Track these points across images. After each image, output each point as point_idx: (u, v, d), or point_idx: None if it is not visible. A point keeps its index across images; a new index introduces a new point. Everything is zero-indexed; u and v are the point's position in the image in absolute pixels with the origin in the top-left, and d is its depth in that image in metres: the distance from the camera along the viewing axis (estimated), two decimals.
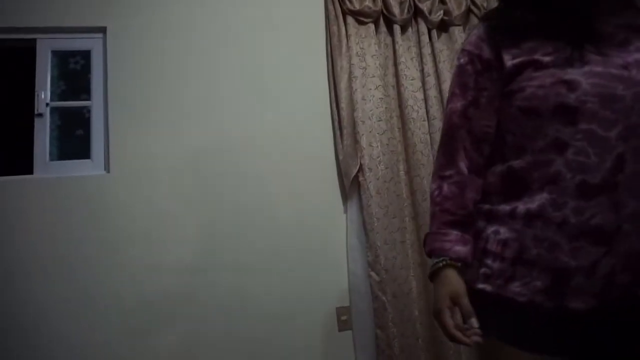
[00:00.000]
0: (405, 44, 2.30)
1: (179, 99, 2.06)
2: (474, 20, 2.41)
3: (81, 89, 2.11)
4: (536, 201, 0.78)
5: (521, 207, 0.80)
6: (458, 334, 0.80)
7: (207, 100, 2.09)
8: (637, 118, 0.73)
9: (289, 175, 2.11)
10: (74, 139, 2.11)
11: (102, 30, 2.06)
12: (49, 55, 2.04)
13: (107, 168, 1.97)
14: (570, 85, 0.75)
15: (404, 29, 2.31)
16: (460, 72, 0.90)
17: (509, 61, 0.82)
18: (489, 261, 0.82)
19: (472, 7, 2.41)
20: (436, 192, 0.90)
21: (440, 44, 2.35)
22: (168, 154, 2.00)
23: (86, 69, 2.10)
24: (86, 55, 2.11)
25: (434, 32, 2.34)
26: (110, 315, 1.82)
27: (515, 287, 0.77)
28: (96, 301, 1.82)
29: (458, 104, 0.89)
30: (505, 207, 0.83)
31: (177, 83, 2.08)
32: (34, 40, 2.03)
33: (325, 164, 2.18)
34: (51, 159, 1.98)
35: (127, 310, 1.84)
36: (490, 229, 0.84)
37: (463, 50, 0.91)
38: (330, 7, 2.23)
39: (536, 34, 0.81)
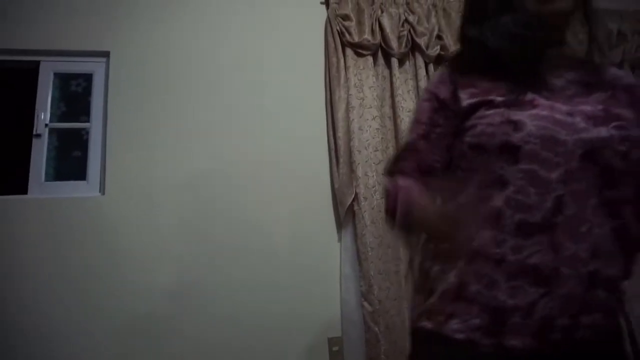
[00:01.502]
0: (402, 77, 2.35)
1: (177, 123, 2.08)
2: None
3: (81, 111, 2.13)
4: (478, 239, 0.78)
5: (464, 244, 0.80)
6: None
7: (205, 125, 2.11)
8: (577, 163, 0.75)
9: (284, 202, 2.11)
10: (70, 160, 2.11)
11: (106, 54, 2.09)
12: (51, 77, 2.07)
13: (102, 190, 1.97)
14: (516, 125, 0.78)
15: (401, 62, 2.37)
16: (418, 109, 0.95)
17: (465, 100, 0.86)
18: (432, 299, 0.82)
19: None
20: (390, 190, 0.91)
21: None
22: (164, 177, 2.01)
23: (87, 91, 2.13)
24: (88, 77, 2.14)
25: (431, 66, 2.40)
26: (102, 336, 1.79)
27: (454, 324, 0.77)
28: (88, 323, 1.79)
29: (409, 138, 0.94)
30: (450, 245, 0.83)
31: (176, 108, 2.10)
32: (37, 62, 2.06)
33: (321, 192, 2.18)
34: (47, 180, 1.98)
35: (120, 331, 1.80)
36: (436, 267, 0.84)
37: (425, 89, 0.97)
38: (330, 39, 2.29)
39: (493, 76, 0.85)
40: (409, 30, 2.37)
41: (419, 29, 2.39)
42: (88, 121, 2.07)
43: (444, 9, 2.51)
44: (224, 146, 2.11)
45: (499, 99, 0.82)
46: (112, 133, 2.01)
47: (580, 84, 0.85)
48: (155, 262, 1.91)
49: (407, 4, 2.44)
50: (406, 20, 2.39)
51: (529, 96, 0.81)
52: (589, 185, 0.76)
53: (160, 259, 1.92)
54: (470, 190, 0.82)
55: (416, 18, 2.41)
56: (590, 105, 0.81)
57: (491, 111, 0.81)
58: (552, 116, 0.78)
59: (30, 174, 1.95)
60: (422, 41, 2.37)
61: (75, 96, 2.19)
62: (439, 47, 2.40)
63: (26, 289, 1.77)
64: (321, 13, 2.33)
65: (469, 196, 0.82)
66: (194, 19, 2.23)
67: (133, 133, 2.02)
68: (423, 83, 2.34)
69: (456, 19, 2.49)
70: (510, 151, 0.77)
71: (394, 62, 2.33)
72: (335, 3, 2.34)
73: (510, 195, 0.77)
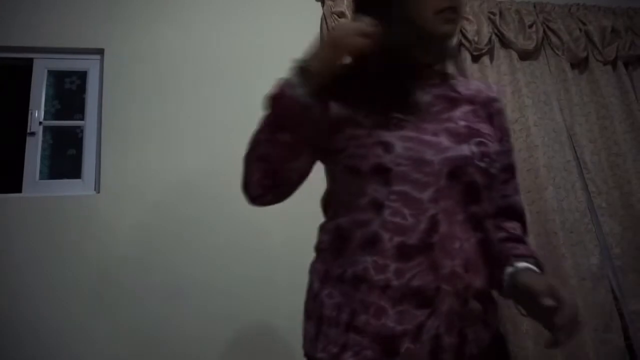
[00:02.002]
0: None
1: (173, 122, 2.07)
2: (465, 53, 2.47)
3: (76, 109, 2.11)
4: (361, 264, 0.78)
5: (349, 269, 0.80)
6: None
7: (201, 123, 2.10)
8: (445, 182, 0.78)
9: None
10: (65, 159, 2.10)
11: (100, 51, 2.08)
12: (45, 74, 2.06)
13: (97, 188, 1.96)
14: (386, 147, 0.79)
15: None
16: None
17: (333, 111, 0.85)
18: (325, 327, 0.80)
19: (463, 40, 2.48)
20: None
21: None
22: (160, 176, 2.00)
23: (82, 89, 2.11)
24: (82, 75, 2.12)
25: None
26: (99, 336, 1.77)
27: (347, 357, 0.76)
28: (85, 322, 1.77)
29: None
30: (336, 268, 0.82)
31: (172, 106, 2.09)
32: (31, 59, 2.04)
33: (314, 192, 2.18)
34: (41, 178, 1.96)
35: (117, 330, 1.79)
36: (325, 292, 0.83)
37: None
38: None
39: (362, 95, 0.85)
40: None
41: None
42: (82, 119, 2.05)
43: None
44: (221, 144, 2.10)
45: (367, 120, 0.82)
46: (107, 131, 1.99)
47: (446, 99, 0.88)
48: (151, 262, 1.90)
49: None
50: None
51: (396, 117, 0.82)
52: (456, 202, 0.79)
53: (157, 258, 1.91)
54: (351, 215, 0.82)
55: None
56: (453, 122, 0.84)
57: (360, 131, 0.81)
58: (418, 137, 0.80)
59: (24, 173, 1.93)
60: None
61: (70, 94, 2.17)
62: None
63: (21, 289, 1.75)
64: (317, 10, 2.33)
65: (350, 221, 0.82)
66: (190, 16, 2.22)
67: (129, 131, 2.01)
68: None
69: None
70: (382, 173, 0.78)
71: None
72: (331, 0, 2.33)
73: (387, 219, 0.77)
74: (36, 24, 2.02)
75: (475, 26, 2.51)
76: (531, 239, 2.22)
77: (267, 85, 2.44)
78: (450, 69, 0.95)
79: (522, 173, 2.39)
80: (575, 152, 2.54)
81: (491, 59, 2.53)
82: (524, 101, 2.48)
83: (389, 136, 0.80)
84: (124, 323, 1.82)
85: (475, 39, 2.48)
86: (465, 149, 0.81)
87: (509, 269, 0.81)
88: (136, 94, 2.06)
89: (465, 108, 0.89)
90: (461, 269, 0.76)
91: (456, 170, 0.79)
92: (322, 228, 0.92)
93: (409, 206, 0.77)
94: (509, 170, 0.94)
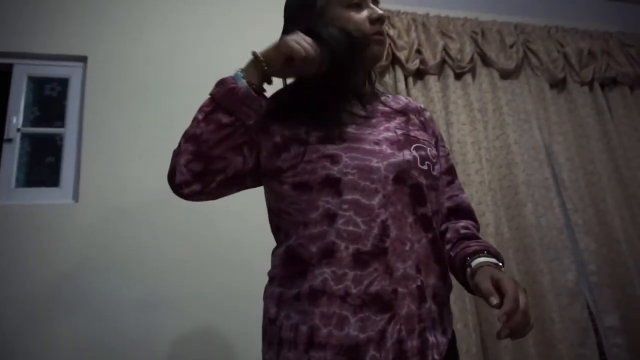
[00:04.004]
0: (382, 90, 2.37)
1: (155, 131, 2.05)
2: (448, 70, 2.53)
3: (55, 116, 2.08)
4: (318, 277, 0.79)
5: (305, 285, 0.80)
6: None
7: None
8: (392, 187, 0.82)
9: (263, 211, 2.10)
10: (43, 167, 2.05)
11: (83, 59, 2.05)
12: (25, 80, 2.02)
13: (75, 197, 1.92)
14: (333, 159, 0.82)
15: (381, 75, 2.38)
16: None
17: (278, 133, 0.88)
18: (285, 351, 0.80)
19: (447, 58, 2.53)
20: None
21: (416, 90, 2.45)
22: (140, 186, 1.97)
23: (62, 96, 2.08)
24: (64, 82, 2.09)
25: (410, 80, 2.44)
26: (71, 352, 1.72)
27: None
28: (56, 337, 1.72)
29: None
30: (291, 289, 0.83)
31: (154, 115, 2.07)
32: (11, 64, 2.01)
33: None
34: (18, 186, 1.91)
35: (92, 346, 1.74)
36: (282, 314, 0.82)
37: None
38: None
39: (303, 115, 0.89)
40: (390, 44, 2.41)
41: (399, 42, 2.43)
42: (62, 126, 2.02)
43: (424, 24, 2.56)
44: None
45: (311, 137, 0.86)
46: (88, 139, 1.96)
47: (380, 113, 0.96)
48: (129, 273, 1.87)
49: (388, 18, 2.48)
50: (387, 33, 2.42)
51: (338, 131, 0.86)
52: (404, 205, 0.82)
53: (134, 270, 1.88)
54: (303, 231, 0.83)
55: (396, 32, 2.46)
56: (392, 132, 0.89)
57: (305, 148, 0.84)
58: (362, 147, 0.84)
59: (0, 180, 1.88)
60: (402, 55, 2.41)
61: (50, 100, 2.14)
62: (418, 61, 2.45)
63: None
64: None
65: (303, 237, 0.82)
66: (174, 23, 2.22)
67: (110, 139, 1.98)
68: (403, 96, 2.38)
69: (435, 34, 2.55)
70: (333, 184, 0.81)
71: None
72: None
73: (340, 228, 0.79)
74: (18, 29, 1.99)
75: (458, 44, 2.57)
76: (510, 254, 2.27)
77: None
78: (380, 87, 1.05)
79: (503, 189, 2.44)
80: (554, 169, 2.60)
81: (473, 77, 2.59)
82: (504, 119, 2.54)
83: (334, 149, 0.83)
84: (99, 336, 1.77)
85: (458, 57, 2.53)
86: (407, 154, 0.86)
87: (468, 270, 0.85)
88: (119, 102, 2.03)
89: (399, 119, 0.95)
90: (412, 270, 0.79)
91: (401, 175, 0.83)
92: (273, 253, 0.92)
93: (360, 214, 0.79)
94: (450, 172, 1.02)
